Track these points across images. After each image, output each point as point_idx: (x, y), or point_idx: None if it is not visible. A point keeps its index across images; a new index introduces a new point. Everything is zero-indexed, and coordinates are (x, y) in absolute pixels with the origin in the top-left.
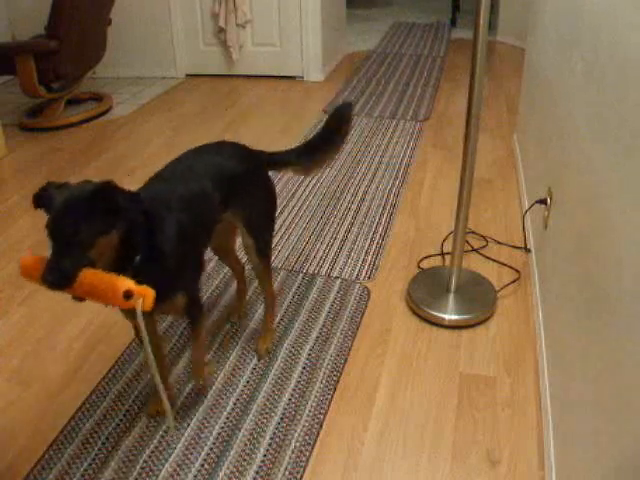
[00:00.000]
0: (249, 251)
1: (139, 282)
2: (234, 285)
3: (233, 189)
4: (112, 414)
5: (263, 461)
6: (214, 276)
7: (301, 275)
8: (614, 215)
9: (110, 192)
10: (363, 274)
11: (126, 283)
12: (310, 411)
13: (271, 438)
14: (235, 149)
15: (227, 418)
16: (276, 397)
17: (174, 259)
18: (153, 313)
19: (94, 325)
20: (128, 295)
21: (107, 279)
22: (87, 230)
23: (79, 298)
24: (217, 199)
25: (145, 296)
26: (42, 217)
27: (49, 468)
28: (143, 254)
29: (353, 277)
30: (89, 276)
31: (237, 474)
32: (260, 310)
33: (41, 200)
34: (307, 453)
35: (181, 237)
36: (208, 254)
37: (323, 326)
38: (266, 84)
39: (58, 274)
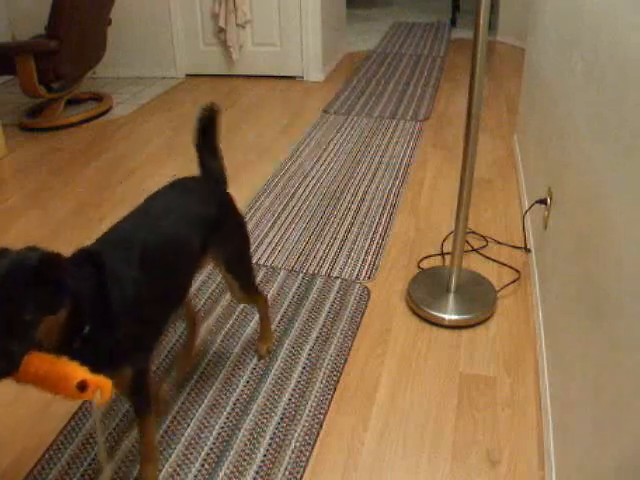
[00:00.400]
0: (234, 290)
1: (86, 352)
2: None
3: (212, 230)
4: (112, 414)
5: (263, 461)
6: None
7: (301, 275)
8: (614, 215)
9: (56, 269)
10: (363, 274)
11: (80, 373)
12: (310, 411)
13: (271, 438)
14: (205, 186)
15: (227, 418)
16: (276, 397)
17: (126, 328)
18: None
19: None
20: (82, 387)
21: (57, 367)
22: (32, 309)
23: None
24: (197, 244)
25: (102, 388)
26: (43, 217)
27: (49, 468)
28: (92, 324)
29: (353, 277)
30: (35, 362)
31: (237, 474)
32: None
33: None
34: (307, 453)
35: (139, 301)
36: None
37: (323, 326)
38: (266, 84)
39: (7, 362)
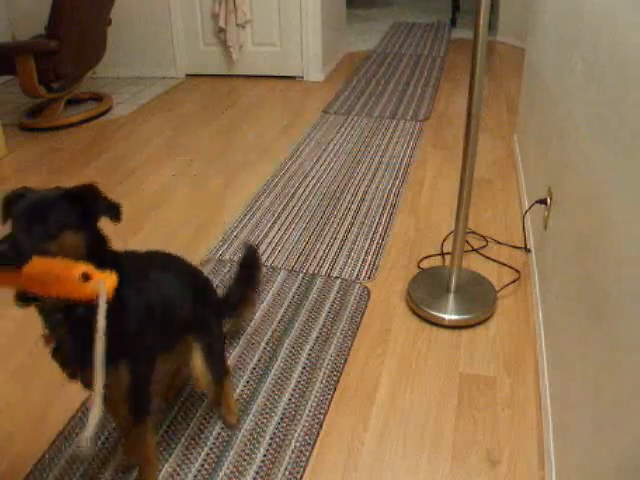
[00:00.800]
0: (202, 383)
1: (86, 323)
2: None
3: (197, 308)
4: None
5: (263, 461)
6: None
7: (301, 275)
8: (614, 215)
9: (88, 194)
10: (363, 274)
11: (83, 266)
12: (310, 411)
13: (271, 438)
14: (189, 267)
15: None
16: (276, 397)
17: (134, 320)
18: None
19: None
20: (86, 276)
21: (61, 263)
22: (55, 218)
23: (25, 297)
24: (185, 313)
25: (105, 279)
26: None
27: (49, 468)
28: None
29: (353, 277)
30: (40, 263)
31: (237, 474)
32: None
33: (11, 202)
34: (307, 453)
35: (148, 307)
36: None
37: (323, 326)
38: (266, 84)
39: (11, 245)
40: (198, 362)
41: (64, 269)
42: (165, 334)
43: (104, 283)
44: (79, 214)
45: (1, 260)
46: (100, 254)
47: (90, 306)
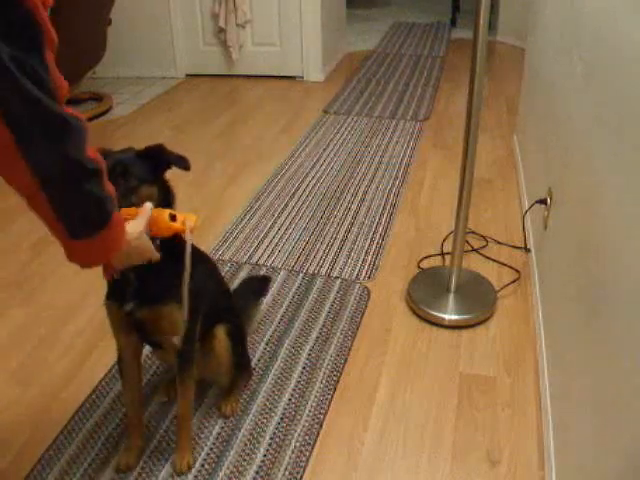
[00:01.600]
0: (223, 360)
1: (147, 270)
2: (235, 283)
3: (221, 298)
4: (112, 414)
5: (263, 461)
6: None
7: (301, 275)
8: (614, 215)
9: (159, 150)
10: (363, 274)
11: (169, 210)
12: (310, 411)
13: (271, 438)
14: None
15: (227, 418)
16: (276, 397)
17: (196, 269)
18: (144, 334)
19: (94, 324)
20: (173, 216)
21: (153, 209)
22: (134, 175)
23: None
24: (215, 299)
25: (188, 218)
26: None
27: (49, 468)
28: (162, 244)
29: (353, 277)
30: (129, 211)
31: (237, 474)
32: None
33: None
34: (307, 453)
35: (197, 263)
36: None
37: (323, 326)
38: (266, 84)
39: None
40: (222, 336)
41: (156, 212)
42: (209, 306)
43: (188, 221)
44: (151, 169)
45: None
46: (169, 202)
47: (168, 245)
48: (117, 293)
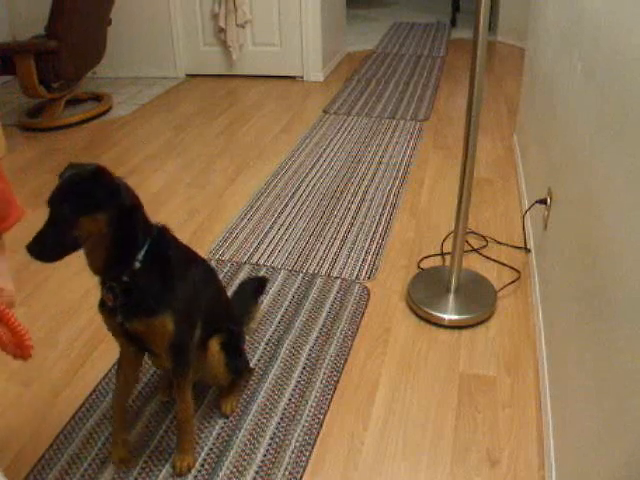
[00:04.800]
0: (217, 372)
1: (135, 290)
2: (235, 283)
3: (219, 305)
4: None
5: (263, 461)
6: None
7: (301, 275)
8: (614, 215)
9: (99, 177)
10: (363, 274)
11: None
12: (310, 411)
13: (271, 438)
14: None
15: (227, 418)
16: (276, 397)
17: (178, 277)
18: (142, 348)
19: (94, 324)
20: None
21: None
22: (70, 207)
23: None
24: (212, 305)
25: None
26: (43, 217)
27: (49, 468)
28: (145, 259)
29: (353, 277)
30: None
31: (237, 474)
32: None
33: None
34: (307, 453)
35: (191, 275)
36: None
37: (323, 326)
38: (266, 84)
39: (39, 247)
40: (215, 349)
41: None
42: (206, 314)
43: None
44: (92, 197)
45: (33, 256)
46: (132, 224)
47: (152, 256)
48: (107, 305)
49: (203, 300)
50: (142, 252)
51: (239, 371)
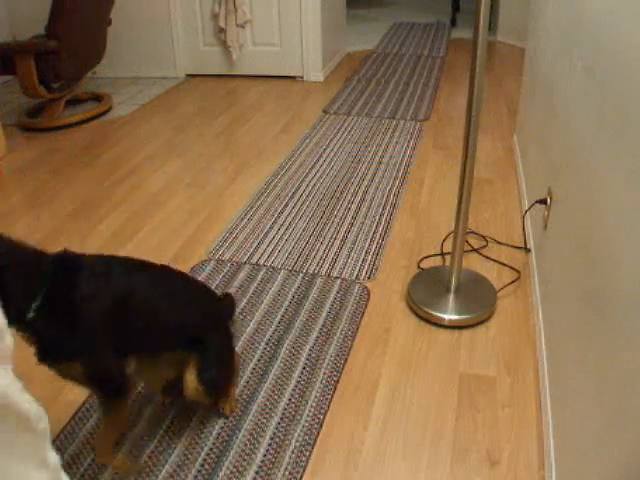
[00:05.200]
0: (191, 395)
1: (40, 331)
2: (234, 283)
3: (192, 321)
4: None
5: (263, 461)
6: (214, 276)
7: (301, 275)
8: (614, 215)
9: None
10: (363, 274)
11: None
12: (310, 411)
13: (271, 438)
14: (186, 279)
15: (227, 418)
16: (276, 397)
17: (85, 321)
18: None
19: None
20: None
21: None
22: None
23: None
24: (173, 320)
25: None
26: (43, 217)
27: None
28: (42, 305)
29: (353, 277)
30: None
31: (237, 474)
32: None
33: None
34: (307, 453)
35: (107, 308)
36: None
37: (323, 326)
38: (266, 84)
39: None
40: (191, 377)
41: None
42: (141, 334)
43: None
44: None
45: None
46: (34, 265)
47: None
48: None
49: (144, 315)
50: (36, 303)
51: (223, 389)
